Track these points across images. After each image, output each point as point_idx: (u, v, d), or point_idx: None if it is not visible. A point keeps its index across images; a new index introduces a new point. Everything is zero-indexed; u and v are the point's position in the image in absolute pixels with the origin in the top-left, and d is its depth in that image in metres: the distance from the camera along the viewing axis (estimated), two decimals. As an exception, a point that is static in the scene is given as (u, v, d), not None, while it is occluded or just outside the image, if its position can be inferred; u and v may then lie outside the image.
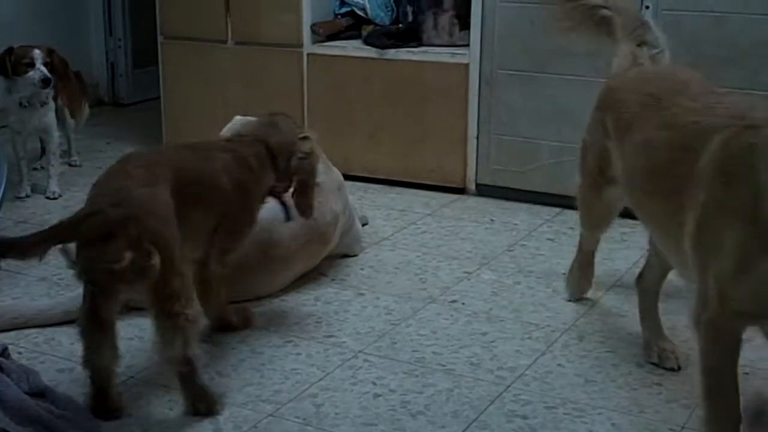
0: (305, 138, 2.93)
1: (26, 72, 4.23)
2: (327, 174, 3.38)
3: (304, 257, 3.31)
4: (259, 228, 2.99)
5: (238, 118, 3.50)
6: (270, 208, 3.01)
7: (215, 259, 2.79)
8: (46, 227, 2.37)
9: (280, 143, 2.87)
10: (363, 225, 3.84)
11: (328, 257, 3.49)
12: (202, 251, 2.73)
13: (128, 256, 2.28)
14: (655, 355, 2.77)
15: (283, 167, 2.87)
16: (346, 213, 3.51)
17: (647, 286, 2.87)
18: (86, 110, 5.01)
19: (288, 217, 3.01)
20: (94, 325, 2.43)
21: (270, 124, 2.93)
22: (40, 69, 4.23)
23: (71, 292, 3.15)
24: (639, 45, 2.86)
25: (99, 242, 2.30)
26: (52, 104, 4.42)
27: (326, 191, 3.33)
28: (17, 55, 4.26)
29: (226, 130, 3.45)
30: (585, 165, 2.92)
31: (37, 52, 4.26)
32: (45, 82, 4.23)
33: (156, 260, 2.31)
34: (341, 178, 3.56)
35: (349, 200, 3.57)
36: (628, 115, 2.56)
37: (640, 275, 2.91)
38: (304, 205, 2.96)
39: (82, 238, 2.35)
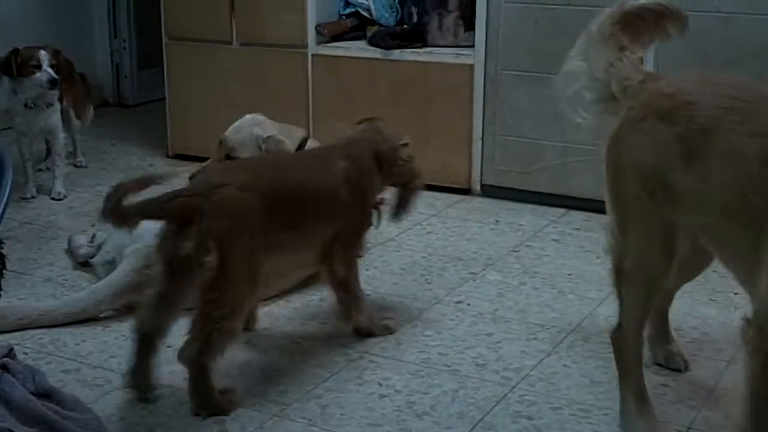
0: (405, 144, 3.00)
1: (33, 73, 4.23)
2: None
3: None
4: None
5: (248, 117, 3.49)
6: None
7: (341, 261, 2.84)
8: (142, 200, 2.46)
9: (387, 151, 2.95)
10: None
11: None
12: (321, 258, 2.80)
13: (189, 245, 2.38)
14: (661, 356, 2.76)
15: (387, 174, 2.95)
16: None
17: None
18: (91, 112, 5.01)
19: (378, 223, 3.05)
20: (158, 297, 2.52)
21: (376, 132, 2.99)
22: (47, 71, 4.23)
23: (76, 294, 3.16)
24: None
25: (177, 224, 2.43)
26: (57, 105, 4.42)
27: None
28: (23, 57, 4.25)
29: (233, 131, 3.44)
30: (624, 200, 2.34)
31: (43, 53, 4.25)
32: (52, 83, 4.23)
33: (212, 259, 2.38)
34: None
35: None
36: (705, 119, 2.14)
37: None
38: (404, 209, 3.07)
39: (165, 216, 2.46)
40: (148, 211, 2.45)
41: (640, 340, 2.41)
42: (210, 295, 2.43)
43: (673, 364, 2.74)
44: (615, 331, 2.43)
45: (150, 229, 3.16)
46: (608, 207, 2.40)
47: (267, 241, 2.51)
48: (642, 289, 2.35)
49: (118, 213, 2.39)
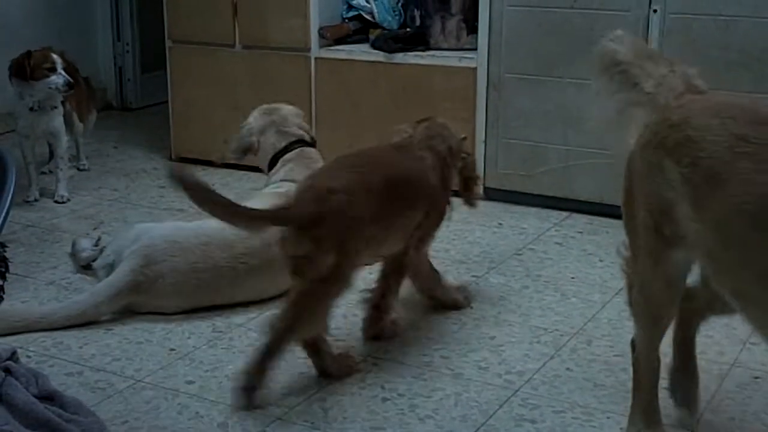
0: (465, 139, 3.22)
1: (47, 76, 4.21)
2: None
3: None
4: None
5: (278, 106, 3.62)
6: None
7: (414, 248, 2.98)
8: (265, 209, 2.68)
9: (457, 145, 3.13)
10: None
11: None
12: (406, 244, 2.94)
13: (308, 248, 2.55)
14: (678, 391, 2.49)
15: (455, 166, 3.14)
16: None
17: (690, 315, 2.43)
18: (93, 115, 5.02)
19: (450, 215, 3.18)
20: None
21: (443, 127, 3.13)
22: (62, 74, 4.22)
23: (76, 297, 3.16)
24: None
25: (293, 230, 2.59)
26: (61, 108, 4.42)
27: None
28: (37, 59, 4.22)
29: (264, 120, 3.56)
30: (634, 224, 2.20)
31: (56, 56, 4.25)
32: (69, 86, 4.22)
33: (329, 261, 2.56)
34: None
35: None
36: (712, 163, 1.93)
37: (689, 297, 2.38)
38: (473, 198, 3.32)
39: (290, 222, 2.62)
40: (279, 218, 2.63)
41: (652, 363, 2.30)
42: (319, 282, 2.56)
43: (689, 407, 2.48)
44: (631, 343, 2.38)
45: (146, 229, 3.19)
46: (623, 225, 2.29)
47: (366, 237, 2.68)
48: (649, 318, 2.25)
49: (253, 217, 2.59)
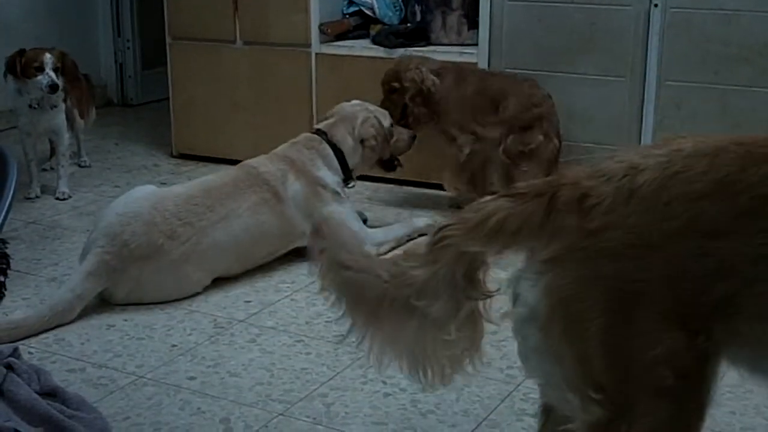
0: None
1: (35, 76, 4.22)
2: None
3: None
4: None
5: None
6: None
7: None
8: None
9: None
10: (363, 221, 3.84)
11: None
12: None
13: (539, 139, 3.75)
14: None
15: None
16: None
17: None
18: (93, 113, 5.01)
19: None
20: (504, 181, 3.73)
21: None
22: (49, 74, 4.21)
23: (50, 301, 3.12)
24: None
25: (521, 130, 3.79)
26: (62, 106, 4.42)
27: None
28: (28, 58, 4.24)
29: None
30: (629, 362, 1.59)
31: (47, 56, 4.24)
32: (52, 88, 4.21)
33: (555, 145, 3.75)
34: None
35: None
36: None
37: None
38: None
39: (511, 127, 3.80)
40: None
41: None
42: (550, 172, 3.52)
43: None
44: None
45: (110, 208, 3.29)
46: (584, 383, 1.64)
47: None
48: None
49: None
